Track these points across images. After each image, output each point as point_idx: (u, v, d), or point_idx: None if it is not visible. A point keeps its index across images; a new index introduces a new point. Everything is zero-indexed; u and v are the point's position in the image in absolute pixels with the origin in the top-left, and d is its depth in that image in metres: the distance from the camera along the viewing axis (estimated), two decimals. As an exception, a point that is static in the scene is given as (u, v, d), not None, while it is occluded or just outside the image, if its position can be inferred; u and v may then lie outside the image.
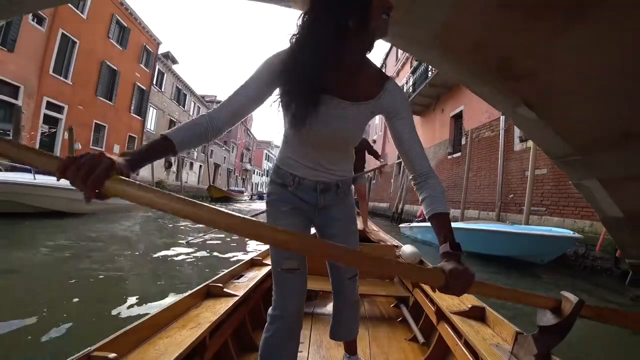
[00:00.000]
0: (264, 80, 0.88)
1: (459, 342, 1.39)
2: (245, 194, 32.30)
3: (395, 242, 3.27)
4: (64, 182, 3.14)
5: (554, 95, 2.65)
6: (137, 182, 0.61)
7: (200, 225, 7.16)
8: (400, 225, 10.85)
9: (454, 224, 5.20)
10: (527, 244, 5.22)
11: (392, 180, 20.83)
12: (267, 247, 2.37)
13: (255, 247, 5.70)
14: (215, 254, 5.16)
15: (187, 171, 27.77)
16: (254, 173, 55.53)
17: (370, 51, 0.91)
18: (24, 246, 4.45)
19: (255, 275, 1.93)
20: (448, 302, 1.66)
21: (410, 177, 0.97)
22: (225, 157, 38.73)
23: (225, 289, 1.54)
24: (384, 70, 1.44)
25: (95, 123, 17.40)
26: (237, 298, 1.50)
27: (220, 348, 1.39)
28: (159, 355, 0.94)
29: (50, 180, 6.60)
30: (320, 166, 1.05)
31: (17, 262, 3.65)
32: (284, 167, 1.09)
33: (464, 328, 1.34)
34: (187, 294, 1.35)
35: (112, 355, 0.82)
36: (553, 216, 6.98)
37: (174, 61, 25.80)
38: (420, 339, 1.85)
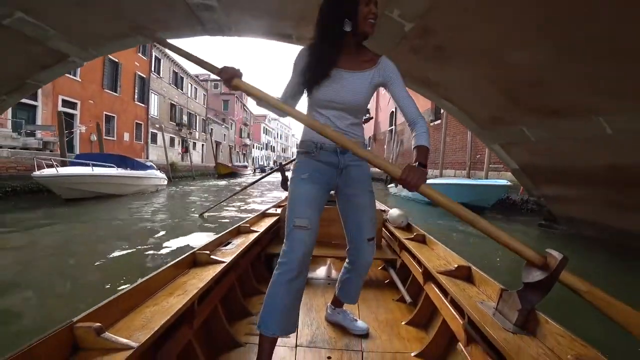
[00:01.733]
0: (298, 71, 1.25)
1: (445, 301, 1.41)
2: (248, 168, 33.82)
3: (383, 207, 3.38)
4: (114, 171, 5.71)
5: (458, 96, 4.37)
6: (248, 83, 1.18)
7: (207, 198, 8.75)
8: (389, 185, 12.68)
9: (436, 179, 7.09)
10: (475, 192, 6.98)
11: (385, 147, 22.38)
12: (252, 215, 2.77)
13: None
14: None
15: (191, 151, 29.21)
16: (253, 147, 56.75)
17: (363, 41, 1.26)
18: (95, 217, 6.14)
19: (242, 242, 1.91)
20: (434, 262, 1.70)
21: (408, 125, 1.22)
22: (225, 135, 39.92)
23: (212, 256, 1.53)
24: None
25: (105, 114, 18.71)
26: (224, 264, 1.49)
27: (210, 314, 1.39)
28: (145, 323, 0.93)
29: (105, 171, 8.32)
30: (337, 128, 1.24)
31: (90, 228, 5.35)
32: (307, 137, 1.29)
33: (450, 287, 1.36)
34: (173, 262, 1.34)
35: (97, 324, 0.80)
36: (507, 171, 8.71)
37: (168, 45, 26.36)
38: (408, 299, 1.89)
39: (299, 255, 1.15)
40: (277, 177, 14.53)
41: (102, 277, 3.17)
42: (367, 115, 5.30)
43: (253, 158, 53.47)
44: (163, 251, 4.14)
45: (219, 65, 1.22)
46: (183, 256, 1.43)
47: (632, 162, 3.31)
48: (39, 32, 3.89)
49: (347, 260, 1.46)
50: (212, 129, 34.86)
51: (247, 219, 2.54)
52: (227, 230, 2.06)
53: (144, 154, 22.43)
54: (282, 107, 1.18)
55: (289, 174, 1.55)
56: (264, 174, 5.56)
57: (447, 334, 1.39)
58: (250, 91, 1.17)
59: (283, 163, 2.38)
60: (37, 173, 7.24)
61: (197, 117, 32.16)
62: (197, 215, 6.79)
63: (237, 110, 45.25)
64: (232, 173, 25.41)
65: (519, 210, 7.44)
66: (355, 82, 1.22)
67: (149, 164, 11.39)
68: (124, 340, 0.82)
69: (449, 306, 1.36)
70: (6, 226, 5.38)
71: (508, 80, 3.36)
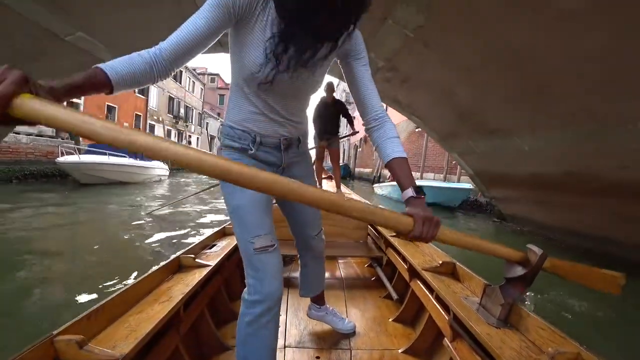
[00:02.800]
0: (225, 13, 0.76)
1: (431, 297, 1.43)
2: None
3: (369, 203, 3.92)
4: (126, 161, 7.03)
5: (423, 113, 5.51)
6: (56, 103, 0.52)
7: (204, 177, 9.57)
8: (374, 185, 13.83)
9: (394, 182, 8.36)
10: (444, 193, 8.13)
11: (373, 149, 23.57)
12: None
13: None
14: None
15: (186, 143, 29.92)
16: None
17: None
18: (108, 201, 7.07)
19: (228, 244, 1.88)
20: (420, 259, 1.69)
21: (364, 120, 0.93)
22: (219, 128, 40.64)
23: (197, 260, 1.49)
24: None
25: (107, 105, 19.44)
26: (210, 268, 1.46)
27: (197, 320, 1.37)
28: (130, 332, 0.90)
29: (119, 160, 9.25)
30: (281, 117, 0.96)
31: (101, 210, 6.30)
32: (240, 125, 0.95)
33: (436, 283, 1.37)
34: (157, 267, 1.30)
35: (78, 337, 0.77)
36: (476, 175, 9.92)
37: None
38: (394, 295, 1.89)
39: (274, 287, 0.92)
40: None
41: (126, 243, 4.17)
42: (354, 130, 4.83)
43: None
44: (172, 234, 5.15)
45: None
46: (167, 260, 1.39)
47: (544, 171, 4.45)
48: (91, 46, 4.85)
49: (299, 254, 1.36)
50: (207, 123, 35.61)
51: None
52: (213, 232, 2.02)
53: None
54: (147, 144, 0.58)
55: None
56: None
57: (434, 329, 1.41)
58: (52, 119, 0.52)
59: None
60: (60, 159, 8.14)
61: (194, 110, 32.86)
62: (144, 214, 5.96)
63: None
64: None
65: (483, 210, 8.61)
66: (318, 59, 0.87)
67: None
68: (108, 352, 0.80)
69: (435, 302, 1.38)
70: (45, 203, 6.31)
71: (457, 106, 4.47)
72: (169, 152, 0.57)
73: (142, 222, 5.27)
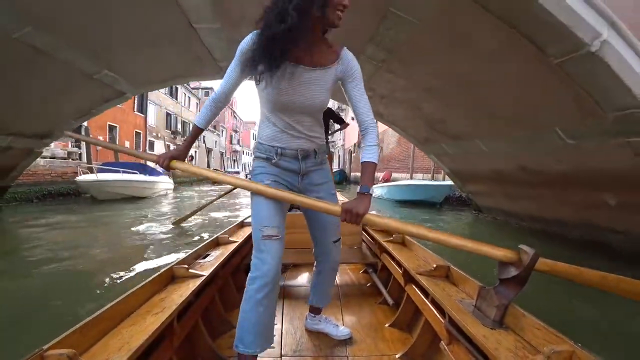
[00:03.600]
0: (243, 61, 1.12)
1: (427, 301, 1.44)
2: (241, 174, 35.50)
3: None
4: (137, 177, 8.08)
5: (401, 124, 6.38)
6: (185, 163, 1.26)
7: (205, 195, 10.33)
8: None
9: (399, 182, 9.16)
10: (427, 191, 9.00)
11: (368, 153, 24.40)
12: (232, 225, 2.64)
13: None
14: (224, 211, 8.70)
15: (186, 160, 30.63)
16: (243, 153, 58.19)
17: (325, 33, 1.15)
18: (123, 213, 7.85)
19: (221, 254, 1.89)
20: (414, 263, 1.73)
21: (359, 130, 1.19)
22: (216, 141, 41.42)
23: (190, 270, 1.50)
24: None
25: (109, 124, 20.23)
26: (203, 278, 1.47)
27: (191, 331, 1.36)
28: (122, 345, 0.90)
29: (131, 177, 10.05)
30: (297, 132, 1.19)
31: (118, 219, 7.07)
32: (266, 141, 1.22)
33: (431, 287, 1.38)
34: (150, 278, 1.30)
35: (70, 351, 0.76)
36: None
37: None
38: (390, 301, 1.89)
39: (272, 266, 1.10)
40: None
41: (146, 243, 4.96)
42: (345, 124, 5.33)
43: (244, 164, 55.02)
44: (181, 237, 5.94)
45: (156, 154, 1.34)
46: (160, 271, 1.40)
47: (502, 167, 5.31)
48: (114, 80, 5.69)
49: (315, 263, 1.47)
50: (204, 136, 36.39)
51: (226, 229, 2.51)
52: (206, 242, 2.04)
53: (143, 160, 23.97)
54: (224, 179, 1.32)
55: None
56: (231, 189, 6.20)
57: (430, 333, 1.42)
58: (187, 170, 1.28)
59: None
60: (80, 178, 8.94)
61: (190, 124, 33.67)
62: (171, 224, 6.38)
63: (227, 117, 46.85)
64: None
65: (466, 204, 9.46)
66: (317, 81, 1.13)
67: (160, 170, 13.10)
68: None
69: (431, 306, 1.39)
70: (75, 214, 7.08)
71: (425, 118, 5.34)
72: (238, 183, 1.26)
73: (166, 230, 6.06)
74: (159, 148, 25.95)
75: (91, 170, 9.42)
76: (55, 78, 5.12)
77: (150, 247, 4.69)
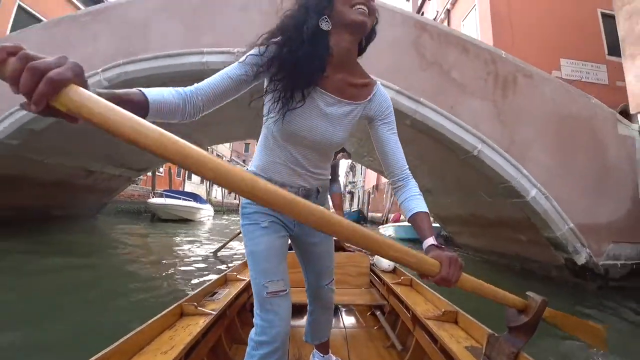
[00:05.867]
0: (251, 67, 0.86)
1: (435, 347, 1.42)
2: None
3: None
4: (191, 203, 11.51)
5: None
6: (94, 97, 0.44)
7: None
8: (379, 227, 16.75)
9: (402, 223, 11.55)
10: (422, 230, 11.05)
11: (384, 196, 26.57)
12: (240, 262, 2.67)
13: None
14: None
15: (215, 188, 33.79)
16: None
17: (360, 48, 0.96)
18: (173, 233, 10.27)
19: (229, 292, 1.91)
20: (423, 307, 1.74)
21: (391, 180, 1.00)
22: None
23: (199, 307, 1.51)
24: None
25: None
26: (212, 316, 1.48)
27: None
28: None
29: (187, 202, 12.80)
30: (302, 168, 1.02)
31: (165, 240, 9.45)
32: (264, 173, 1.02)
33: (439, 332, 1.37)
34: (159, 315, 1.32)
35: None
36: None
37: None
38: (398, 345, 1.86)
39: (282, 329, 0.96)
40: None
41: (203, 250, 7.28)
42: (344, 154, 4.47)
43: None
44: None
45: None
46: (170, 308, 1.41)
47: (461, 213, 7.46)
48: (198, 135, 8.42)
49: (308, 301, 1.35)
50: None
51: (235, 266, 2.54)
52: (214, 280, 2.06)
53: (182, 187, 27.12)
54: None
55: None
56: None
57: None
58: (95, 113, 0.47)
59: None
60: (151, 200, 11.73)
61: (223, 157, 37.22)
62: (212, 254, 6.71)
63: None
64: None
65: (450, 243, 11.43)
66: (343, 117, 0.95)
67: (205, 199, 15.88)
68: None
69: (439, 352, 1.37)
70: (142, 226, 9.65)
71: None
72: (204, 164, 0.49)
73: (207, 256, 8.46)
74: (197, 178, 29.05)
75: (161, 196, 12.21)
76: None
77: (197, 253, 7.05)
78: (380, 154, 1.01)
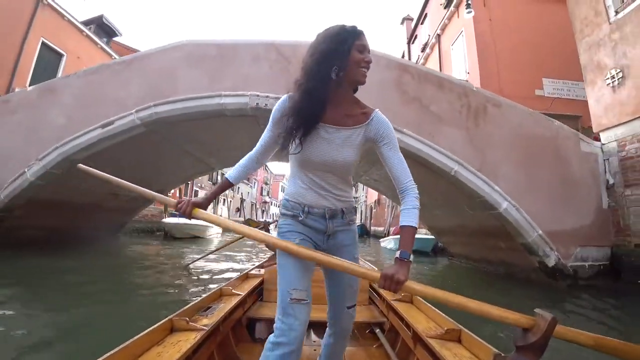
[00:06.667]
0: (276, 122, 1.20)
1: None
2: (272, 225, 39.10)
3: (368, 266, 3.38)
4: (201, 222, 12.08)
5: (383, 186, 9.72)
6: (206, 212, 1.22)
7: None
8: (380, 240, 17.47)
9: (397, 236, 12.35)
10: (420, 242, 11.76)
11: (385, 210, 27.28)
12: (235, 275, 2.70)
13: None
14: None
15: (220, 206, 34.68)
16: (271, 204, 62.05)
17: (354, 92, 1.21)
18: (185, 248, 11.05)
19: (224, 307, 1.85)
20: (424, 325, 1.68)
21: (398, 193, 1.16)
22: (248, 192, 45.75)
23: (191, 323, 1.47)
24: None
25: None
26: (204, 332, 1.43)
27: None
28: None
29: (198, 222, 13.62)
30: (324, 191, 1.19)
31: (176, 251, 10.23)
32: (293, 198, 1.23)
33: (442, 352, 1.32)
34: (147, 330, 1.28)
35: None
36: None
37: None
38: None
39: (299, 333, 1.06)
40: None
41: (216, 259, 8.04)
42: None
43: (272, 214, 58.77)
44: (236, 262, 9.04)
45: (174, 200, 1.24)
46: (159, 323, 1.37)
47: (451, 224, 8.22)
48: (210, 160, 9.33)
49: (328, 323, 1.38)
50: (239, 187, 40.76)
51: (231, 280, 2.53)
52: (209, 294, 2.01)
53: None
54: (240, 230, 1.25)
55: (273, 233, 1.65)
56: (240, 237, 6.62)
57: None
58: (208, 219, 1.29)
59: (268, 222, 2.78)
60: (165, 220, 12.60)
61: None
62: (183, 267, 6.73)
63: (259, 170, 51.74)
64: (262, 227, 30.41)
65: (448, 252, 12.11)
66: (344, 141, 1.15)
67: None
68: None
69: None
70: (168, 245, 10.45)
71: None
72: (264, 239, 1.24)
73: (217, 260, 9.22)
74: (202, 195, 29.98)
75: (173, 215, 13.07)
76: (182, 162, 8.85)
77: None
78: (387, 171, 1.18)
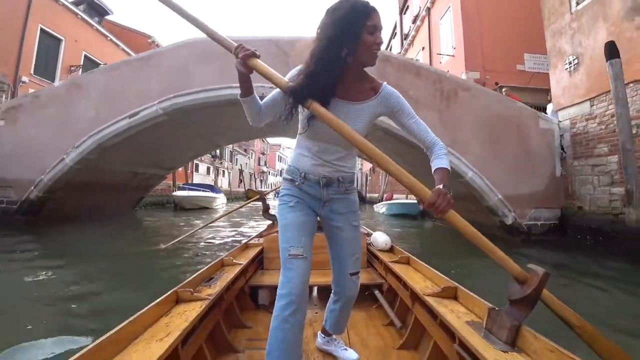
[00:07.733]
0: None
1: (435, 323, 1.43)
2: (270, 194, 40.52)
3: (366, 230, 3.53)
4: (209, 193, 14.52)
5: None
6: (264, 65, 1.10)
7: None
8: (374, 205, 18.83)
9: (390, 201, 13.78)
10: (408, 207, 13.14)
11: (380, 177, 28.40)
12: (236, 245, 2.84)
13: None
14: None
15: (221, 178, 35.71)
16: (269, 174, 63.17)
17: (364, 69, 1.19)
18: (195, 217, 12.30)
19: (226, 276, 1.90)
20: (421, 284, 1.74)
21: (426, 151, 1.22)
22: (246, 163, 46.60)
23: (195, 293, 1.50)
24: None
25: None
26: (208, 301, 1.47)
27: (196, 355, 1.35)
28: None
29: (205, 193, 14.82)
30: (323, 160, 1.23)
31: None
32: (294, 164, 1.28)
33: (439, 308, 1.37)
34: (153, 302, 1.30)
35: None
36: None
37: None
38: (397, 323, 1.87)
39: (297, 284, 1.13)
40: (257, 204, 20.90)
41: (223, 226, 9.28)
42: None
43: (270, 184, 60.04)
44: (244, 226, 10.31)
45: (234, 43, 1.14)
46: (165, 295, 1.40)
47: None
48: (218, 138, 10.34)
49: (332, 290, 1.42)
50: (237, 159, 41.65)
51: (231, 251, 2.58)
52: (210, 264, 2.04)
53: (190, 179, 29.06)
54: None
55: (271, 202, 1.61)
56: (241, 204, 7.70)
57: (439, 356, 1.40)
58: (266, 73, 1.13)
59: (264, 192, 2.87)
60: (175, 193, 13.82)
61: (226, 149, 38.90)
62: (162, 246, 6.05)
63: (256, 140, 52.34)
64: (259, 198, 31.60)
65: (432, 215, 13.43)
66: (353, 115, 1.18)
67: (220, 189, 17.88)
68: None
69: (439, 328, 1.38)
70: (179, 216, 11.66)
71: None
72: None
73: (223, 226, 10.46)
74: (203, 169, 30.96)
75: (182, 189, 14.25)
76: (193, 142, 9.85)
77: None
78: (409, 136, 1.23)
